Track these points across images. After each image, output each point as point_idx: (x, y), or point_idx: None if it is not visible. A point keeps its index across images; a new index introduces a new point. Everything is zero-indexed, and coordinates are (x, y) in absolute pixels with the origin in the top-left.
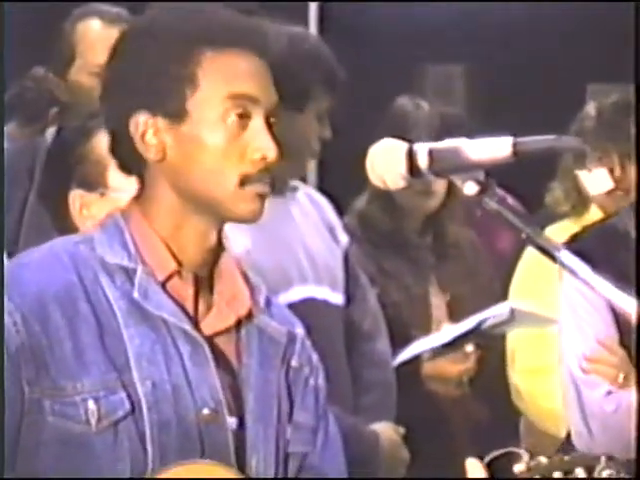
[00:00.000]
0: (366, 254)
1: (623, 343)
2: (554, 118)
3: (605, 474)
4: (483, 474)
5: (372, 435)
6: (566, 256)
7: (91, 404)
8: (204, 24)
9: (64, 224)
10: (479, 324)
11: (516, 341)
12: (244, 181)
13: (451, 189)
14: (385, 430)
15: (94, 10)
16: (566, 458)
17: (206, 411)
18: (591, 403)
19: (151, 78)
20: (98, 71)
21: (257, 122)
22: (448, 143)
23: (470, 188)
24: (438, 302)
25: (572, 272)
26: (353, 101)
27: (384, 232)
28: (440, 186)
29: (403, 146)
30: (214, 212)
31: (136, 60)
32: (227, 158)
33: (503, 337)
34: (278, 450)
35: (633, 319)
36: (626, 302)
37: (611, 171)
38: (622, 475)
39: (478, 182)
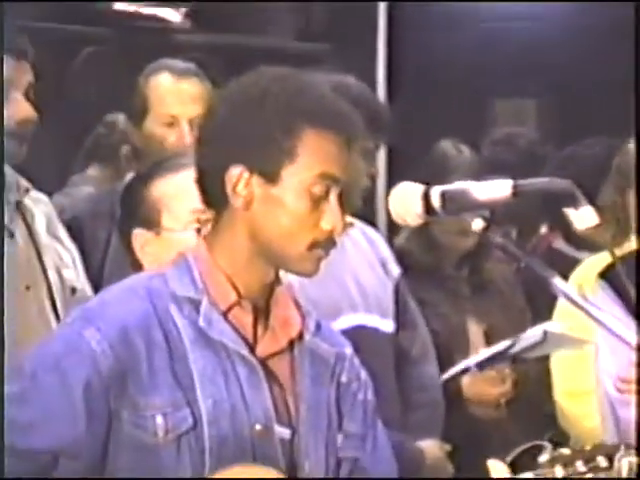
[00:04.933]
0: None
1: None
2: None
3: (625, 461)
4: (506, 473)
5: (417, 451)
6: (559, 282)
7: (159, 419)
8: (310, 105)
9: (133, 258)
10: (512, 345)
11: (555, 364)
12: (313, 245)
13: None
14: (430, 447)
15: (165, 65)
16: (587, 447)
17: (258, 427)
18: (626, 421)
19: (258, 141)
20: (169, 121)
21: (334, 198)
22: (457, 186)
23: (477, 224)
24: (475, 330)
25: (565, 296)
26: (423, 134)
27: (422, 267)
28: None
29: (419, 189)
30: (280, 263)
31: (246, 122)
32: (304, 224)
33: (539, 361)
34: (328, 455)
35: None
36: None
37: None
38: None
39: (484, 219)
